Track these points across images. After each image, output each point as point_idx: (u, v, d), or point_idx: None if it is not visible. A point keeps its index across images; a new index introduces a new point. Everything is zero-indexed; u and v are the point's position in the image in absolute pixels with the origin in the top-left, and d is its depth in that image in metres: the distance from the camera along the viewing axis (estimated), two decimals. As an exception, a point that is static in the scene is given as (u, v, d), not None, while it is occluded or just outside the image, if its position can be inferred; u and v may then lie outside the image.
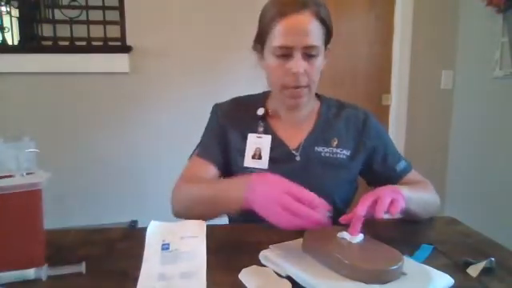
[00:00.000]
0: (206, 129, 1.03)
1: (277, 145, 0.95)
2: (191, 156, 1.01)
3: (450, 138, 2.68)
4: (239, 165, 0.95)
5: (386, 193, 0.69)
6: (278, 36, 0.85)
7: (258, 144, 0.95)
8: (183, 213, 0.85)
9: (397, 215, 0.72)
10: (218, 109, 1.02)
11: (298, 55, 0.85)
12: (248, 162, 0.94)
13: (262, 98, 1.02)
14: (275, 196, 0.66)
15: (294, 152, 0.95)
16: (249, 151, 0.95)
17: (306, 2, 0.84)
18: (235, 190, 0.74)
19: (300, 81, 0.87)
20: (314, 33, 0.85)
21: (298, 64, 0.85)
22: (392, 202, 0.67)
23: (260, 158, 0.94)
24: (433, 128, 2.66)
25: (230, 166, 0.97)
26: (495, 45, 2.23)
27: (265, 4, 0.91)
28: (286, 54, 0.85)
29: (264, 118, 0.98)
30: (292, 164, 0.94)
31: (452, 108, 2.65)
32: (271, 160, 0.93)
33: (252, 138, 0.96)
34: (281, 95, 0.92)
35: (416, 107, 2.61)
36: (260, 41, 0.92)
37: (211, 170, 0.95)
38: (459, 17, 2.57)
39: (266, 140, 0.95)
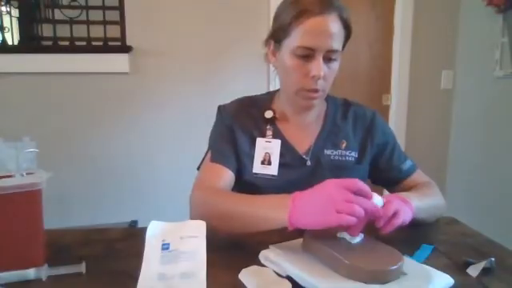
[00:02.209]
0: (214, 132, 0.98)
1: (286, 149, 0.93)
2: (202, 162, 0.96)
3: (450, 138, 2.68)
4: (248, 170, 0.92)
5: (393, 201, 0.67)
6: (302, 36, 0.81)
7: (267, 149, 0.92)
8: (207, 225, 0.78)
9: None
10: (223, 110, 0.98)
11: (319, 58, 0.82)
12: (257, 167, 0.91)
13: (267, 100, 1.00)
14: (333, 193, 0.61)
15: (304, 157, 0.93)
16: (258, 156, 0.92)
17: (331, 2, 0.82)
18: (275, 211, 0.68)
19: (318, 84, 0.85)
20: (338, 36, 0.83)
21: (319, 68, 0.82)
22: (393, 215, 0.65)
23: (269, 163, 0.91)
24: (433, 128, 2.66)
25: (239, 171, 0.93)
26: (495, 45, 2.23)
27: (283, 0, 0.87)
28: (306, 54, 0.82)
29: (272, 120, 0.95)
30: (302, 169, 0.92)
31: (452, 108, 2.65)
32: (281, 165, 0.91)
33: (261, 143, 0.93)
34: (295, 96, 0.89)
35: (416, 107, 2.61)
36: (276, 38, 0.88)
37: (228, 176, 0.90)
38: (459, 17, 2.57)
39: (276, 144, 0.92)
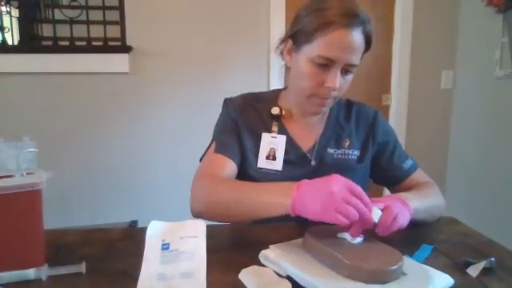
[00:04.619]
0: (219, 124, 0.99)
1: (291, 147, 0.93)
2: (205, 153, 0.96)
3: (450, 138, 2.68)
4: (252, 164, 0.93)
5: (393, 205, 0.68)
6: (324, 46, 0.81)
7: (272, 144, 0.93)
8: (209, 212, 0.78)
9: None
10: (230, 103, 0.99)
11: (337, 70, 0.82)
12: (262, 162, 0.92)
13: (273, 97, 1.00)
14: (336, 192, 0.62)
15: (308, 155, 0.94)
16: (263, 151, 0.93)
17: (358, 15, 0.81)
18: (279, 196, 0.69)
19: (331, 94, 0.86)
20: (359, 51, 0.83)
21: (335, 80, 0.82)
22: (393, 219, 0.66)
23: (274, 158, 0.92)
24: (433, 128, 2.66)
25: (243, 164, 0.94)
26: (495, 45, 2.23)
27: (307, 4, 0.86)
28: (325, 64, 0.82)
29: (278, 117, 0.96)
30: (307, 167, 0.93)
31: (452, 108, 2.65)
32: (285, 162, 0.92)
33: (266, 138, 0.93)
34: (305, 100, 0.89)
35: (416, 107, 2.62)
36: (296, 40, 0.87)
37: (231, 167, 0.90)
38: (459, 17, 2.57)
39: (281, 140, 0.93)
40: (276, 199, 0.69)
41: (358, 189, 0.64)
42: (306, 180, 0.68)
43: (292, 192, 0.67)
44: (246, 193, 0.76)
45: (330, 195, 0.62)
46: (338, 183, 0.64)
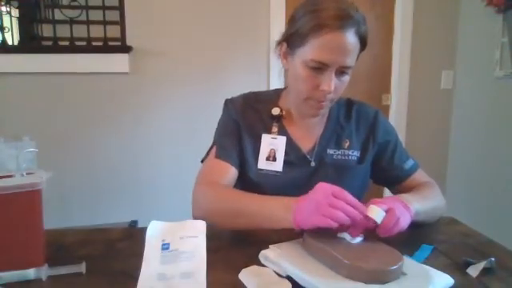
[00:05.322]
0: (220, 125, 0.99)
1: (291, 148, 0.93)
2: (206, 156, 0.96)
3: (450, 138, 2.68)
4: (252, 167, 0.93)
5: (396, 208, 0.68)
6: (317, 49, 0.80)
7: (272, 145, 0.93)
8: (209, 221, 0.76)
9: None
10: (230, 104, 0.98)
11: (331, 73, 0.81)
12: (262, 163, 0.92)
13: (274, 97, 1.00)
14: (320, 199, 0.64)
15: (308, 157, 0.94)
16: (263, 152, 0.93)
17: (351, 17, 0.79)
18: (282, 210, 0.70)
19: (327, 97, 0.85)
20: (353, 52, 0.82)
21: (330, 83, 0.82)
22: (395, 222, 0.67)
23: (274, 159, 0.92)
24: (433, 128, 2.66)
25: (243, 166, 0.94)
26: (495, 45, 2.23)
27: (302, 4, 0.85)
28: (319, 67, 0.81)
29: (278, 118, 0.95)
30: (306, 168, 0.93)
31: (452, 108, 2.65)
32: (285, 163, 0.92)
33: (266, 139, 0.93)
34: (302, 103, 0.89)
35: (416, 107, 2.61)
36: (290, 43, 0.87)
37: (231, 173, 0.91)
38: (459, 17, 2.57)
39: (281, 141, 0.93)
40: (280, 215, 0.71)
41: (343, 192, 0.65)
42: (303, 196, 0.70)
43: (292, 208, 0.68)
44: (249, 206, 0.77)
45: (315, 203, 0.65)
46: (320, 190, 0.66)
